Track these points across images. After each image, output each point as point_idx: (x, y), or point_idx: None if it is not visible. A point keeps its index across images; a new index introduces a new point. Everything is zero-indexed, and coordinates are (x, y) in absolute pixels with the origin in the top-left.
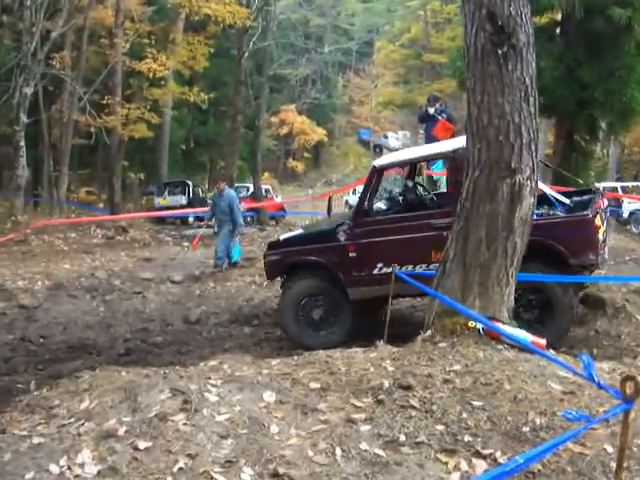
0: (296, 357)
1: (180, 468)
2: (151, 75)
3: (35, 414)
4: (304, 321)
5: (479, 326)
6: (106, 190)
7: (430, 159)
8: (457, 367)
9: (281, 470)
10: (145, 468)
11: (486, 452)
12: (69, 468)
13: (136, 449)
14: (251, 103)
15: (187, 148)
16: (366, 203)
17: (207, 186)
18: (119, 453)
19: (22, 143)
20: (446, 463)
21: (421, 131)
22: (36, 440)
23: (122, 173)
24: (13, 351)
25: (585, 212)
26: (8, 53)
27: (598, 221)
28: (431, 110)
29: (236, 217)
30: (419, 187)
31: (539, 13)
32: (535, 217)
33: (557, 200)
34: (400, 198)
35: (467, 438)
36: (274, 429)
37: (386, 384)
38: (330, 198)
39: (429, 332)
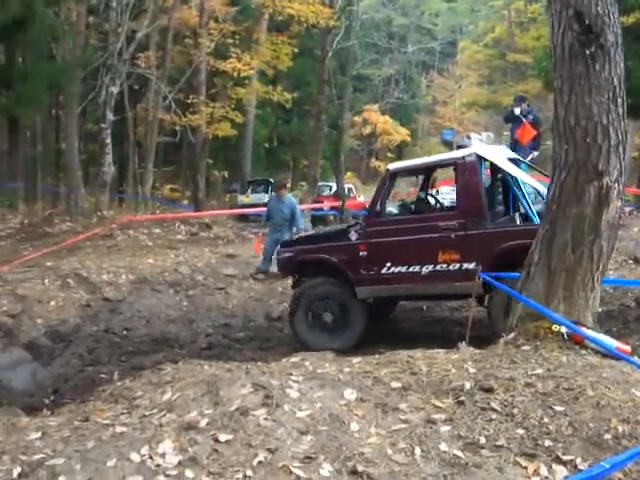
0: (377, 356)
1: (260, 462)
2: (235, 74)
3: (118, 404)
4: (314, 323)
5: (563, 330)
6: (190, 187)
7: (441, 165)
8: (539, 371)
9: (360, 468)
10: (225, 460)
11: (567, 458)
12: (150, 457)
13: (217, 441)
14: (334, 102)
15: (270, 146)
16: (379, 204)
17: (290, 184)
18: (200, 444)
19: (108, 140)
20: (526, 467)
21: (505, 132)
22: (119, 429)
23: (206, 171)
24: (97, 342)
25: None
26: (94, 53)
27: None
28: (517, 110)
29: (298, 223)
30: (429, 195)
31: (626, 13)
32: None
33: None
34: (411, 202)
35: (548, 443)
36: (354, 427)
37: (467, 386)
38: (344, 200)
39: (512, 335)
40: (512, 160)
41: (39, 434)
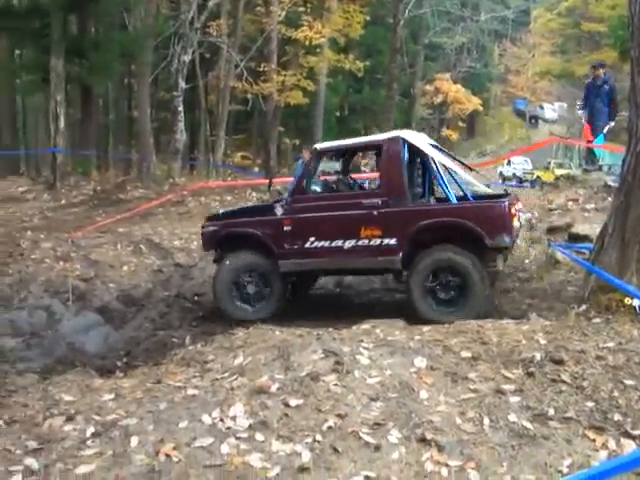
0: (447, 325)
1: (329, 427)
2: (307, 43)
3: (190, 367)
4: (237, 294)
5: (635, 303)
6: (261, 155)
7: (367, 147)
8: (611, 344)
9: (428, 435)
10: (295, 424)
11: (636, 432)
12: (221, 420)
13: (287, 406)
14: (406, 71)
15: (341, 115)
16: (304, 182)
17: (361, 153)
18: (270, 409)
19: (180, 108)
20: (594, 440)
21: (578, 102)
22: (190, 392)
23: (277, 139)
24: (168, 307)
25: (505, 199)
26: (166, 22)
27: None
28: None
29: None
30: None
31: None
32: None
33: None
34: (335, 179)
35: (617, 417)
36: (423, 395)
37: (537, 357)
38: (271, 178)
39: (583, 307)
40: (433, 146)
41: (112, 395)
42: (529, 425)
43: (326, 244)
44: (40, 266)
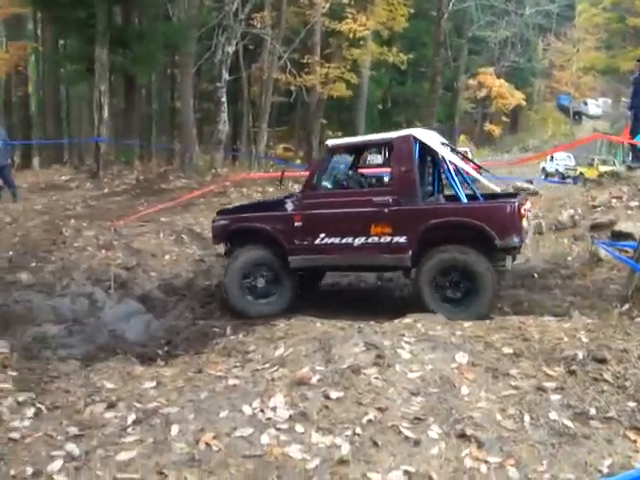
0: (488, 321)
1: (369, 420)
2: (351, 35)
3: (231, 357)
4: (247, 289)
5: None
6: (303, 147)
7: (378, 144)
8: None
9: (469, 431)
10: (335, 417)
11: None
12: (262, 410)
13: (327, 398)
14: (450, 65)
15: (384, 108)
16: (316, 178)
17: None
18: (310, 400)
19: (224, 99)
20: (635, 441)
21: (624, 99)
22: (231, 382)
23: (320, 131)
24: (209, 297)
25: (514, 200)
26: (210, 13)
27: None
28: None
29: None
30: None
31: None
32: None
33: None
34: (346, 176)
35: None
36: (464, 390)
37: (580, 355)
38: (283, 171)
39: (626, 306)
40: (444, 145)
41: (154, 383)
42: (570, 424)
43: (336, 240)
44: (83, 254)
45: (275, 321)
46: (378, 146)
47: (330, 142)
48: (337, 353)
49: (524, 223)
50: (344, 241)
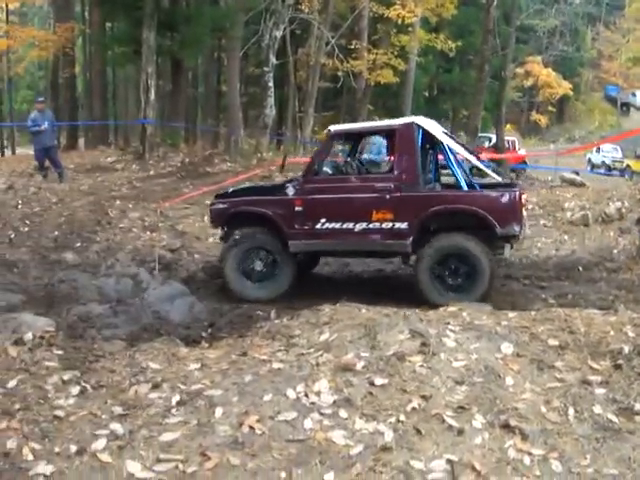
0: (533, 312)
1: (413, 408)
2: (399, 21)
3: (275, 341)
4: (244, 273)
5: None
6: None
7: (381, 131)
8: None
9: (513, 422)
10: (379, 403)
11: None
12: (306, 395)
13: (372, 384)
14: (498, 53)
15: (430, 95)
16: (317, 162)
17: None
18: (355, 386)
19: (271, 84)
20: None
21: None
22: (276, 365)
23: (366, 117)
24: None
25: (515, 188)
26: None
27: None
28: None
29: None
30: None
31: None
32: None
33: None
34: (348, 162)
35: None
36: (509, 381)
37: (626, 350)
38: (285, 157)
39: None
40: (446, 133)
41: (198, 365)
42: (614, 418)
43: (337, 226)
44: (127, 235)
45: (320, 306)
46: (381, 133)
47: (333, 128)
48: (382, 340)
49: (524, 212)
50: (345, 226)
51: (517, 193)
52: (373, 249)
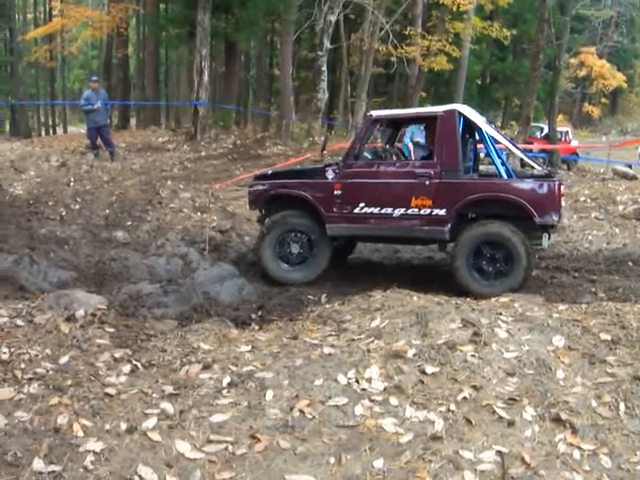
0: (584, 306)
1: (464, 398)
2: (454, 8)
3: (327, 326)
4: (280, 253)
5: None
6: None
7: (423, 118)
8: None
9: (563, 416)
10: (430, 392)
11: None
12: (357, 381)
13: (423, 372)
14: (552, 42)
15: (483, 83)
16: (358, 147)
17: (500, 123)
18: (406, 374)
19: (324, 68)
20: None
21: None
22: (327, 350)
23: (418, 104)
24: None
25: (555, 179)
26: None
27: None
28: None
29: None
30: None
31: None
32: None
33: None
34: (388, 148)
35: None
36: (560, 374)
37: None
38: (326, 137)
39: None
40: (488, 122)
41: (249, 347)
42: None
43: (375, 210)
44: (178, 215)
45: (371, 292)
46: (423, 120)
47: (374, 113)
48: (434, 328)
49: (563, 203)
50: (383, 211)
51: (557, 183)
52: (411, 235)
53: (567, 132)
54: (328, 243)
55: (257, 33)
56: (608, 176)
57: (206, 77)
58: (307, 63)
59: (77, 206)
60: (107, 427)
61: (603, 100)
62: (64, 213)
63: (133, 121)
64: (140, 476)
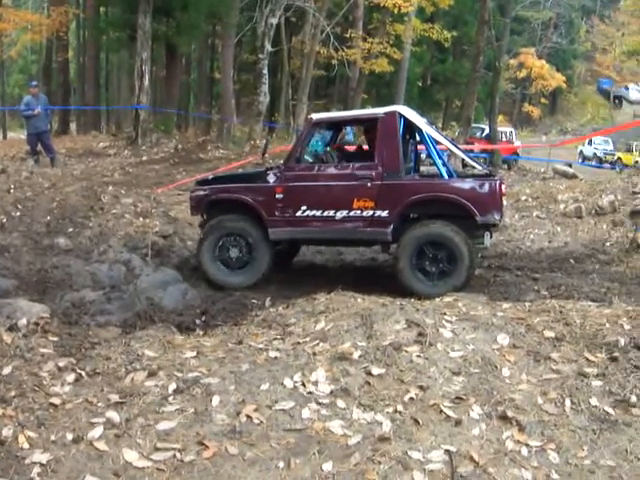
0: (528, 304)
1: (411, 398)
2: (395, 10)
3: (271, 329)
4: (220, 256)
5: None
6: None
7: (363, 120)
8: None
9: (510, 413)
10: (376, 393)
11: None
12: (303, 384)
13: (369, 374)
14: (493, 44)
15: (424, 85)
16: (299, 150)
17: (441, 124)
18: (352, 376)
19: (265, 71)
20: None
21: None
22: (272, 354)
23: (360, 106)
24: None
25: (496, 178)
26: None
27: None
28: None
29: None
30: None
31: None
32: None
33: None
34: (329, 150)
35: None
36: (505, 372)
37: (622, 342)
38: (267, 140)
39: None
40: (428, 123)
41: (194, 353)
42: (611, 410)
43: (318, 213)
44: (120, 221)
45: (315, 295)
46: (364, 122)
47: (315, 116)
48: (379, 329)
49: (504, 202)
50: (325, 214)
51: (497, 182)
52: (354, 237)
53: (511, 132)
54: (268, 247)
55: (198, 36)
56: (549, 175)
57: (147, 81)
58: (248, 66)
59: (18, 213)
60: (53, 438)
61: (543, 100)
62: (5, 220)
63: (73, 126)
64: None
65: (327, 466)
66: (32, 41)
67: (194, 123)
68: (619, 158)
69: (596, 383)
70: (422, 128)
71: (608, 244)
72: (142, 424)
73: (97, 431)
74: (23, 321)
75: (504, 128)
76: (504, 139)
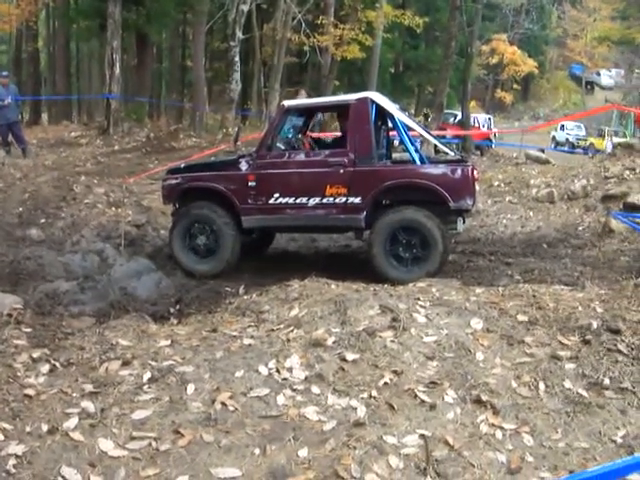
0: (501, 288)
1: (385, 383)
2: None
3: (245, 317)
4: (191, 247)
5: None
6: None
7: (335, 107)
8: None
9: (484, 397)
10: (351, 379)
11: None
12: (277, 371)
13: (343, 360)
14: (464, 30)
15: (396, 71)
16: (270, 137)
17: (414, 110)
18: (326, 362)
19: (237, 59)
20: None
21: (637, 70)
22: (246, 341)
23: (332, 93)
24: None
25: (468, 163)
26: None
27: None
28: None
29: None
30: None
31: None
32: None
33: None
34: (301, 137)
35: None
36: (479, 356)
37: (594, 325)
38: (239, 128)
39: None
40: (400, 109)
41: (168, 342)
42: (584, 393)
43: (290, 200)
44: (93, 211)
45: (289, 282)
46: (336, 108)
47: (287, 103)
48: (352, 315)
49: (476, 187)
50: (298, 201)
51: (470, 168)
52: (327, 224)
53: (489, 119)
54: (233, 234)
55: (169, 24)
56: (521, 161)
57: (118, 70)
58: (220, 54)
59: None
60: (28, 429)
61: (515, 86)
62: None
63: (45, 116)
64: (64, 477)
65: (303, 452)
66: (1, 31)
67: (166, 112)
68: (591, 143)
69: (569, 366)
70: (394, 114)
71: (580, 228)
72: (117, 413)
73: (72, 421)
74: None
75: (480, 115)
76: (482, 126)
